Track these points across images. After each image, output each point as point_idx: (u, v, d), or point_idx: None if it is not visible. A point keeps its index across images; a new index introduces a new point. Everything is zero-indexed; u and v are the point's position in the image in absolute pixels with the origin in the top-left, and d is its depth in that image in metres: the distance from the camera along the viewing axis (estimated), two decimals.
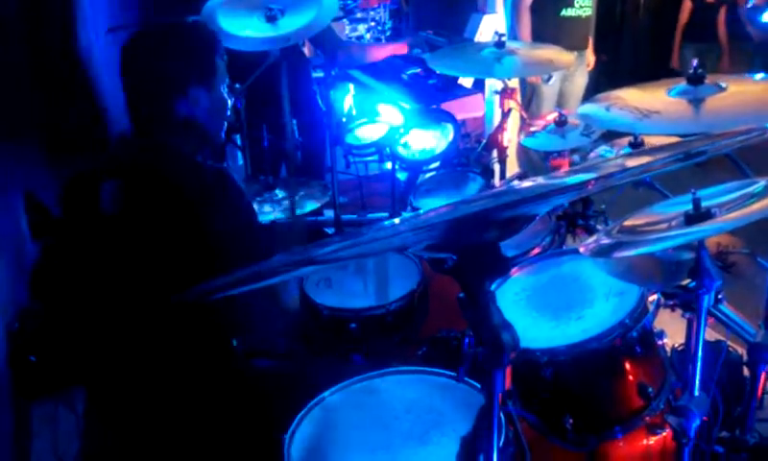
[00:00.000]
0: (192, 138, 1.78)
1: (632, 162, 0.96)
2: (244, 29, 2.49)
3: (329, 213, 3.03)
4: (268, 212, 2.34)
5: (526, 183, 0.85)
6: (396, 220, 0.80)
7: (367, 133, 2.91)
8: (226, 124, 1.88)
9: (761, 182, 1.47)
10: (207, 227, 1.62)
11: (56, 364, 2.22)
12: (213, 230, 1.63)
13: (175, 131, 1.75)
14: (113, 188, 1.66)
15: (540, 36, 4.11)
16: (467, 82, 4.12)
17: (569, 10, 4.19)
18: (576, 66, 4.28)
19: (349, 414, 1.59)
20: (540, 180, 0.85)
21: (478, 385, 1.53)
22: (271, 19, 2.46)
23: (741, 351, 2.16)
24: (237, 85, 2.84)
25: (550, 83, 4.14)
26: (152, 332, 1.64)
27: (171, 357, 1.66)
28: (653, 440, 1.75)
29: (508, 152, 2.75)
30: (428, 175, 2.73)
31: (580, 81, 4.44)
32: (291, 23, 2.48)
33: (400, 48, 3.57)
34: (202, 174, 1.75)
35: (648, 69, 6.17)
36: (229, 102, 1.87)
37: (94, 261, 1.70)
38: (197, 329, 1.61)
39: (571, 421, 1.68)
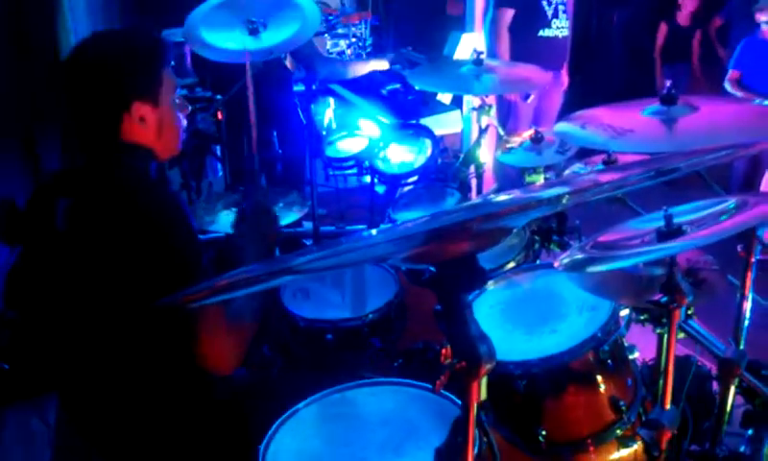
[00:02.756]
0: (142, 158, 1.70)
1: (605, 178, 0.99)
2: (226, 41, 2.50)
3: (308, 225, 3.04)
4: None
5: (502, 197, 0.87)
6: (374, 231, 0.81)
7: (346, 146, 2.93)
8: (182, 137, 1.80)
9: (731, 200, 1.52)
10: (154, 246, 1.55)
11: (29, 371, 2.19)
12: (160, 250, 1.56)
13: (124, 151, 1.67)
14: (66, 207, 1.63)
15: (517, 56, 4.17)
16: (445, 98, 4.16)
17: (547, 30, 4.26)
18: (552, 85, 4.34)
19: (324, 425, 1.59)
20: (517, 192, 0.87)
21: (454, 397, 1.54)
22: (253, 32, 2.48)
23: (710, 366, 2.20)
24: (218, 97, 2.85)
25: (528, 101, 4.19)
26: (119, 342, 1.62)
27: (143, 367, 1.64)
28: (625, 452, 1.77)
29: (485, 167, 2.79)
30: (407, 188, 2.75)
31: (556, 99, 4.50)
32: (273, 36, 2.50)
33: (381, 64, 3.59)
34: (151, 195, 1.65)
35: (623, 90, 6.29)
36: (182, 116, 1.79)
37: (53, 275, 1.68)
38: (169, 339, 1.60)
39: (544, 433, 1.70)
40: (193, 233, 1.63)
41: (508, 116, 4.35)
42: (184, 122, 1.80)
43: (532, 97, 4.25)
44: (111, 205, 1.60)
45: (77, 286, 1.63)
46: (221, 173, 3.45)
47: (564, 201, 0.91)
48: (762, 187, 4.20)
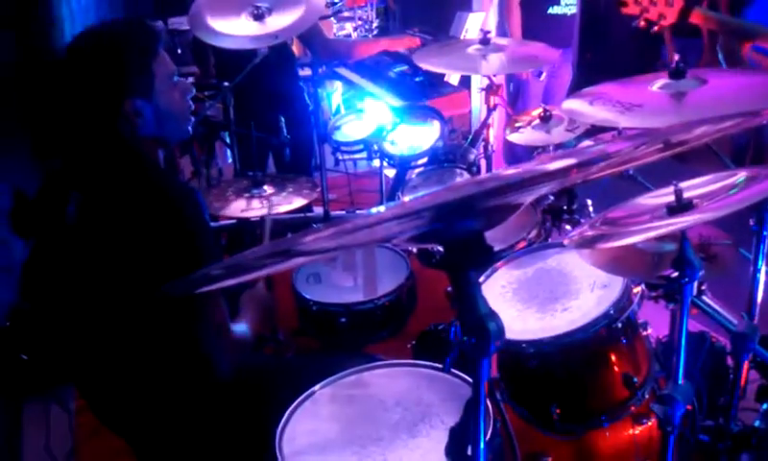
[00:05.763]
0: (147, 148, 1.69)
1: (613, 148, 0.97)
2: (231, 27, 2.51)
3: (319, 210, 3.05)
4: (257, 208, 2.35)
5: (511, 170, 0.86)
6: (375, 209, 0.80)
7: (355, 130, 2.92)
8: (189, 120, 1.76)
9: (742, 174, 1.50)
10: (166, 238, 1.56)
11: (47, 362, 2.22)
12: (172, 241, 1.56)
13: (126, 144, 1.65)
14: (77, 202, 1.62)
15: (527, 33, 4.15)
16: (453, 78, 4.14)
17: (555, 7, 4.24)
18: (561, 63, 4.33)
19: (339, 407, 1.60)
20: (524, 167, 0.86)
21: (467, 377, 1.54)
22: (258, 18, 2.48)
23: (725, 341, 2.20)
24: (225, 83, 2.86)
25: (540, 78, 4.17)
26: (135, 332, 1.64)
27: (158, 355, 1.66)
28: (639, 429, 1.78)
29: (494, 147, 2.78)
30: (416, 171, 2.75)
31: (566, 77, 4.48)
32: (278, 21, 2.50)
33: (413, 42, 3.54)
34: (160, 187, 1.64)
35: (632, 66, 6.25)
36: (187, 98, 1.74)
37: (66, 269, 1.68)
38: (182, 325, 1.61)
39: (558, 410, 1.71)
40: (206, 224, 1.63)
41: (517, 95, 4.33)
42: (191, 104, 1.76)
43: (544, 74, 4.24)
44: (122, 199, 1.60)
45: (90, 280, 1.64)
46: (230, 160, 3.46)
47: (573, 175, 0.90)
48: None
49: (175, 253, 1.56)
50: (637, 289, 1.78)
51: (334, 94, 4.70)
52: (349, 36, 5.10)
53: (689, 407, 1.56)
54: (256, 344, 1.90)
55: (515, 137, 2.63)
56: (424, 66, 2.78)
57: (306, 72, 3.62)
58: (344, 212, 3.22)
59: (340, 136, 2.90)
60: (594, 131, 2.38)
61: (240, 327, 1.75)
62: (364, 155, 2.88)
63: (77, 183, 1.66)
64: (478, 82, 3.84)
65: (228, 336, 1.67)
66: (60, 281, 1.71)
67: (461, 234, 0.85)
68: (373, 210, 0.81)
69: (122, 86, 1.62)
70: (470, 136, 2.72)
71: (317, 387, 1.63)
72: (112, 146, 1.65)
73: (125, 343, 1.65)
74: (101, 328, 1.66)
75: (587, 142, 2.37)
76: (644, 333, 1.82)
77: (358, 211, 3.19)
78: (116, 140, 1.65)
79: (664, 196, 1.49)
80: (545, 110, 2.60)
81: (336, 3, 4.98)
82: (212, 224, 3.07)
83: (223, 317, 1.66)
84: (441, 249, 0.89)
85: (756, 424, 1.91)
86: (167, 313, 1.60)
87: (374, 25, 5.09)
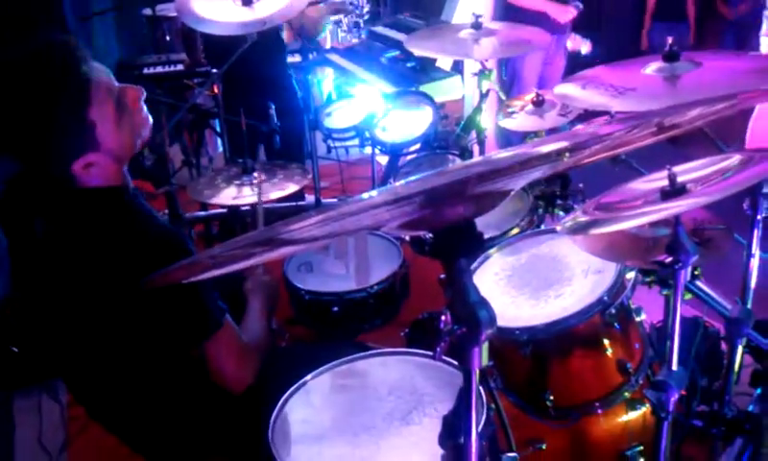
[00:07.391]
0: (110, 180, 1.53)
1: (605, 130, 0.96)
2: (219, 13, 2.48)
3: (310, 198, 3.03)
4: (248, 195, 2.33)
5: (504, 154, 0.84)
6: (366, 195, 0.78)
7: (346, 116, 2.90)
8: (148, 125, 1.60)
9: (736, 157, 1.49)
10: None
11: (38, 354, 2.19)
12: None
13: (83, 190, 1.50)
14: (41, 226, 1.53)
15: (523, 19, 4.11)
16: (445, 64, 4.11)
17: None
18: (556, 49, 4.30)
19: (332, 396, 1.59)
20: (514, 151, 0.84)
21: (456, 363, 1.53)
22: (246, 3, 2.45)
23: (719, 326, 2.19)
24: (214, 70, 2.83)
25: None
26: (125, 324, 1.60)
27: (149, 343, 1.64)
28: (633, 415, 1.78)
29: (486, 133, 2.76)
30: (408, 158, 2.73)
31: (560, 63, 4.46)
32: (266, 6, 2.47)
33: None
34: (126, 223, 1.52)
35: (627, 50, 6.24)
36: (139, 104, 1.56)
37: (40, 284, 1.60)
38: (173, 317, 1.58)
39: (552, 397, 1.70)
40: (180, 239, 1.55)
41: (513, 82, 4.31)
42: (144, 108, 1.59)
43: (537, 61, 4.22)
44: (85, 232, 1.52)
45: (65, 304, 1.58)
46: (221, 149, 3.44)
47: (565, 157, 0.89)
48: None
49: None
50: (631, 275, 1.77)
51: (325, 80, 4.67)
52: (340, 21, 5.06)
53: (683, 393, 1.55)
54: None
55: (507, 123, 2.62)
56: (416, 51, 2.75)
57: (296, 58, 3.59)
58: (335, 200, 3.20)
59: (331, 123, 2.88)
60: (587, 115, 2.36)
61: (249, 335, 1.71)
62: (356, 142, 2.86)
63: (38, 209, 1.56)
64: (471, 66, 3.82)
65: (243, 355, 1.63)
66: (36, 297, 1.64)
67: (450, 221, 0.83)
68: (364, 196, 0.79)
69: (61, 162, 1.47)
70: (463, 122, 2.70)
71: (310, 376, 1.63)
72: (67, 194, 1.52)
73: (107, 343, 1.61)
74: (89, 341, 1.62)
75: (580, 126, 2.36)
76: (638, 319, 1.81)
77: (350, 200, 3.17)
78: (71, 188, 1.51)
79: (658, 180, 1.47)
80: (538, 95, 2.58)
81: None
82: (203, 213, 3.07)
83: (232, 339, 1.61)
84: (430, 236, 0.87)
85: (750, 408, 1.91)
86: (171, 351, 1.57)
87: (365, 10, 5.05)
